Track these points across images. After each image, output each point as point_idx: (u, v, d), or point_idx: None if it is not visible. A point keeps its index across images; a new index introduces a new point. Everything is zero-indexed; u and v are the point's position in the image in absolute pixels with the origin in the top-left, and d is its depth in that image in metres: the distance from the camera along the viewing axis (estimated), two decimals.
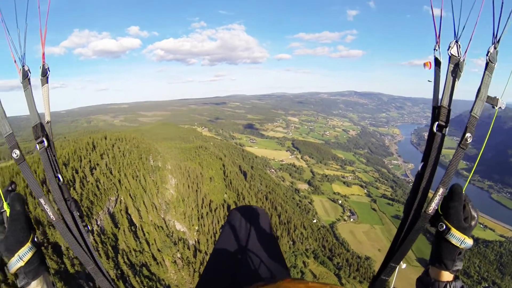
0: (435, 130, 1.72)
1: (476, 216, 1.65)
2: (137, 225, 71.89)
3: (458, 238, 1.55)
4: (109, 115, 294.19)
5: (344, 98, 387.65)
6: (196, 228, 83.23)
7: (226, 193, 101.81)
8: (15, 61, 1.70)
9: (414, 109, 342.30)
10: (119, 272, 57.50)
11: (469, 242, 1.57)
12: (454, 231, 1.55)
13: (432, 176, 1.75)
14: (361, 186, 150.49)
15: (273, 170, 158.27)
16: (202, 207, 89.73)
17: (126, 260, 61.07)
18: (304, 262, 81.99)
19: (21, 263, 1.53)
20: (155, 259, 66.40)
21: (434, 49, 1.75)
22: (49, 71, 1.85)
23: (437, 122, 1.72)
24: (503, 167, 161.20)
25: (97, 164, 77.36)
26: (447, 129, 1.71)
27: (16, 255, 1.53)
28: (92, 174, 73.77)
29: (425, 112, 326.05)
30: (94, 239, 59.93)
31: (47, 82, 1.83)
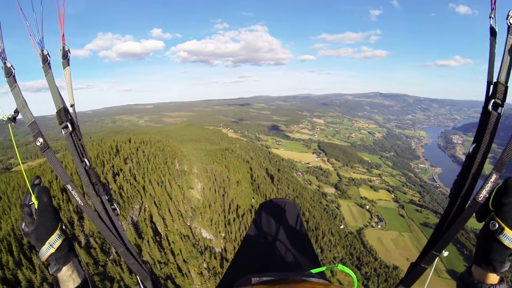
0: (490, 109, 1.55)
1: None
2: (162, 234, 71.16)
3: None
4: (134, 115, 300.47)
5: (369, 100, 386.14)
6: (223, 235, 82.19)
7: (253, 198, 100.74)
8: (35, 46, 1.71)
9: (440, 111, 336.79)
10: None
11: None
12: (508, 231, 1.38)
13: (484, 160, 1.60)
14: (388, 190, 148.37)
15: (299, 173, 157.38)
16: (229, 213, 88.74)
17: None
18: (332, 271, 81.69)
19: (52, 250, 1.59)
20: (180, 270, 65.52)
21: (490, 17, 1.56)
22: (69, 53, 1.85)
23: (493, 100, 1.55)
24: None
25: (121, 170, 77.24)
26: (503, 108, 1.53)
27: (47, 243, 1.59)
28: (115, 181, 73.56)
29: (452, 115, 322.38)
30: (116, 252, 60.50)
31: (69, 65, 1.83)
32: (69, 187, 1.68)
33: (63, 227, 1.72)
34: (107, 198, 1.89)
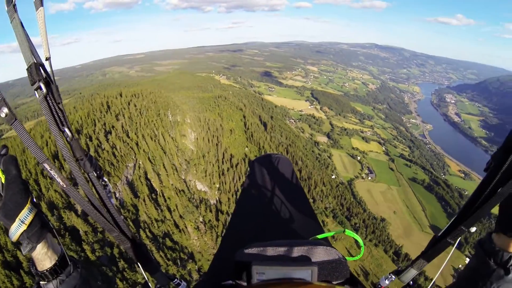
0: None
1: None
2: (157, 191, 70.33)
3: None
4: (125, 66, 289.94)
5: (364, 51, 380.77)
6: (217, 186, 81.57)
7: (247, 147, 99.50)
8: None
9: (436, 68, 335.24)
10: None
11: None
12: None
13: None
14: (380, 143, 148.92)
15: (292, 121, 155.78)
16: (222, 163, 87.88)
17: (148, 233, 60.30)
18: (323, 221, 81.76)
19: (24, 227, 1.38)
20: (177, 226, 65.63)
21: None
22: None
23: None
24: None
25: (113, 127, 74.99)
26: None
27: (17, 219, 1.37)
28: (107, 140, 71.49)
29: (447, 73, 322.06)
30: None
31: (42, 5, 1.31)
32: (46, 166, 1.35)
33: (34, 199, 1.46)
34: (96, 174, 1.61)
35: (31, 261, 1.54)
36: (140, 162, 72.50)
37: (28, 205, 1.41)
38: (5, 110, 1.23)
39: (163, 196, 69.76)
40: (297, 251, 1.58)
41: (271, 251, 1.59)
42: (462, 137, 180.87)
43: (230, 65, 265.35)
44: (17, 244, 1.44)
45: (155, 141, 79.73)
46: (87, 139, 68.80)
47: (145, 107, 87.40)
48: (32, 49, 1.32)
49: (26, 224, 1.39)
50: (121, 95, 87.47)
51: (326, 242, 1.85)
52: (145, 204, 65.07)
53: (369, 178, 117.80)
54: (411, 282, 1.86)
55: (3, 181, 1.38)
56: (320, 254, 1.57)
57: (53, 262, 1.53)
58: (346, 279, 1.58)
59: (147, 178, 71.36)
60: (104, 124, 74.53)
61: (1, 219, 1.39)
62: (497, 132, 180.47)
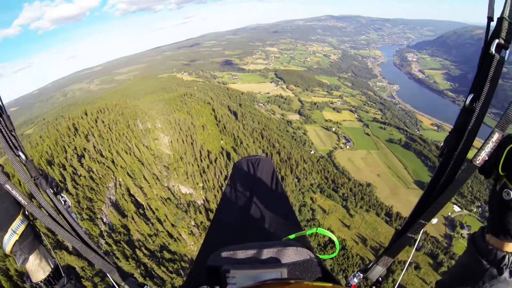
0: (492, 51, 1.23)
1: None
2: (143, 205, 67.62)
3: None
4: (84, 81, 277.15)
5: (321, 23, 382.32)
6: (201, 185, 79.79)
7: (222, 139, 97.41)
8: None
9: (394, 30, 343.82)
10: (143, 268, 54.10)
11: None
12: None
13: (484, 113, 1.30)
14: (351, 111, 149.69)
15: (261, 105, 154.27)
16: (201, 161, 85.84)
17: (144, 250, 57.64)
18: (311, 198, 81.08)
19: (16, 237, 1.49)
20: (171, 236, 63.60)
21: None
22: None
23: (496, 40, 1.22)
24: None
25: (84, 149, 71.42)
26: (507, 51, 1.22)
27: (9, 229, 1.49)
28: (81, 164, 67.89)
29: (405, 33, 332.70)
30: (107, 242, 55.73)
31: None
32: (8, 187, 1.47)
33: (26, 212, 1.59)
34: (52, 191, 1.70)
35: (26, 274, 1.61)
36: (120, 180, 69.54)
37: (20, 216, 1.52)
38: None
39: (151, 209, 67.42)
40: (267, 253, 1.58)
41: (241, 254, 1.59)
42: (428, 92, 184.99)
43: (189, 60, 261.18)
44: (13, 256, 1.52)
45: (130, 154, 76.84)
46: (61, 169, 65.10)
47: (113, 121, 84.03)
48: None
49: (18, 234, 1.49)
50: (86, 114, 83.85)
51: (299, 242, 1.83)
52: (135, 222, 62.51)
53: (348, 147, 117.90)
54: (380, 279, 1.83)
55: None
56: (290, 255, 1.56)
57: (47, 274, 1.60)
58: (318, 278, 1.56)
59: (130, 195, 68.55)
60: (75, 148, 71.16)
61: None
62: (461, 82, 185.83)
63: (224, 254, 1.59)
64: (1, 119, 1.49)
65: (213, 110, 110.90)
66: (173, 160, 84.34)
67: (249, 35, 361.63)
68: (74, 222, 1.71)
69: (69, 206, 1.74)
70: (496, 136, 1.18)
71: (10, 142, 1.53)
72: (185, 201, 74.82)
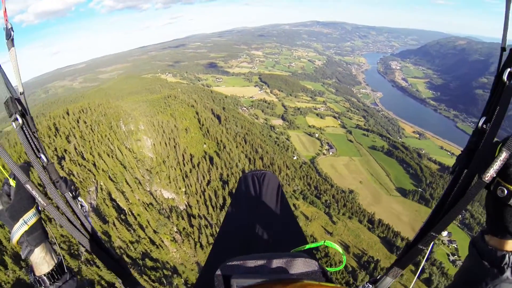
0: (505, 79, 1.29)
1: None
2: (125, 210, 65.65)
3: None
4: (67, 79, 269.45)
5: (306, 29, 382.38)
6: (184, 190, 78.32)
7: (205, 143, 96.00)
8: None
9: (378, 38, 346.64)
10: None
11: None
12: None
13: (494, 135, 1.40)
14: (334, 117, 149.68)
15: (245, 108, 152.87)
16: (184, 165, 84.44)
17: (126, 258, 55.01)
18: (294, 205, 79.97)
19: (26, 227, 1.54)
20: (153, 243, 61.81)
21: None
22: (12, 31, 1.57)
23: (508, 69, 1.28)
24: (468, 97, 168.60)
25: (65, 151, 68.52)
26: None
27: (20, 219, 1.54)
28: (62, 167, 65.00)
29: (390, 42, 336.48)
30: (87, 250, 53.38)
31: (13, 45, 1.56)
32: (28, 187, 1.55)
33: (39, 208, 1.65)
34: (71, 195, 1.76)
35: (29, 267, 1.65)
36: (101, 184, 67.16)
37: (33, 210, 1.58)
38: None
39: (133, 215, 65.46)
40: (276, 263, 1.60)
41: (251, 263, 1.60)
42: (411, 100, 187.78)
43: (174, 61, 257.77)
44: (18, 248, 1.58)
45: (112, 157, 74.55)
46: None
47: (95, 121, 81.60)
48: (8, 85, 1.53)
49: (28, 225, 1.54)
50: (68, 113, 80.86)
51: (307, 254, 1.84)
52: (116, 228, 60.26)
53: (330, 153, 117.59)
54: None
55: (13, 186, 1.55)
56: (299, 266, 1.59)
57: (51, 268, 1.64)
58: None
59: (112, 199, 66.21)
60: (55, 149, 68.10)
61: (6, 219, 1.54)
62: (442, 91, 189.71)
63: (234, 263, 1.60)
64: (24, 120, 1.56)
65: (197, 113, 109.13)
66: (155, 163, 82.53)
67: (235, 38, 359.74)
68: (89, 226, 1.76)
69: (86, 211, 1.79)
70: (503, 155, 1.25)
71: (32, 143, 1.58)
72: (167, 206, 73.18)
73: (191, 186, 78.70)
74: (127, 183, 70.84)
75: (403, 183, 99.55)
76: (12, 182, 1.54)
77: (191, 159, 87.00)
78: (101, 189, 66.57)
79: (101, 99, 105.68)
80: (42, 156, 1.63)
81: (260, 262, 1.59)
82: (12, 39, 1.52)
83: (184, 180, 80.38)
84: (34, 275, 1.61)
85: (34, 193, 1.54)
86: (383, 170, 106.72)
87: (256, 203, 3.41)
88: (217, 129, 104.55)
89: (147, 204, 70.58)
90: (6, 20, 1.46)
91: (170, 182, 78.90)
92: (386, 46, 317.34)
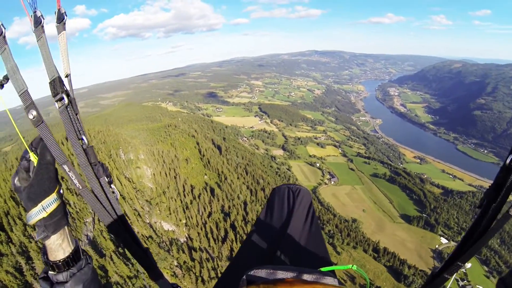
0: None
1: None
2: None
3: None
4: None
5: (305, 58, 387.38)
6: (184, 222, 77.27)
7: (206, 174, 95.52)
8: (24, 7, 1.45)
9: (376, 65, 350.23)
10: None
11: None
12: None
13: None
14: (335, 146, 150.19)
15: (245, 139, 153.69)
16: (184, 196, 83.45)
17: None
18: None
19: (44, 214, 1.44)
20: None
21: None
22: (66, 15, 1.58)
23: None
24: (466, 119, 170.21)
25: (62, 179, 67.73)
26: None
27: (39, 204, 1.43)
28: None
29: (387, 68, 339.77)
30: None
31: (64, 29, 1.58)
32: (65, 168, 1.51)
33: (61, 191, 1.57)
34: (106, 180, 1.74)
35: (42, 249, 1.57)
36: None
37: (54, 194, 1.49)
38: (34, 112, 1.40)
39: None
40: (306, 278, 1.58)
41: (281, 274, 1.58)
42: (410, 125, 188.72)
43: (174, 90, 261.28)
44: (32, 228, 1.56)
45: None
46: None
47: (95, 149, 79.93)
48: (54, 65, 1.50)
49: (47, 212, 1.44)
50: (67, 139, 79.61)
51: (333, 274, 1.88)
52: (114, 262, 57.28)
53: (332, 182, 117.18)
54: None
55: (35, 164, 1.44)
56: (328, 283, 1.56)
57: (67, 254, 1.54)
58: None
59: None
60: None
61: (23, 199, 1.44)
62: (441, 115, 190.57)
63: (263, 272, 1.57)
64: (68, 101, 1.54)
65: (198, 143, 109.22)
66: (155, 194, 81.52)
67: (235, 68, 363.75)
68: (121, 213, 1.72)
69: (117, 198, 1.74)
70: None
71: (75, 125, 1.58)
72: (167, 238, 71.61)
73: (192, 218, 77.72)
74: (126, 215, 69.09)
75: (407, 209, 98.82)
76: (33, 157, 1.44)
77: (191, 190, 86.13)
78: (99, 220, 65.43)
79: (101, 125, 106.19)
80: (84, 138, 1.61)
81: (290, 275, 1.55)
82: (64, 23, 1.53)
83: (184, 212, 79.35)
84: (47, 258, 1.53)
85: (71, 174, 1.51)
86: (386, 197, 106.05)
87: (287, 216, 3.37)
88: (218, 160, 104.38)
89: (146, 236, 69.25)
90: (59, 5, 1.48)
91: (170, 214, 77.84)
92: (383, 73, 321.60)
